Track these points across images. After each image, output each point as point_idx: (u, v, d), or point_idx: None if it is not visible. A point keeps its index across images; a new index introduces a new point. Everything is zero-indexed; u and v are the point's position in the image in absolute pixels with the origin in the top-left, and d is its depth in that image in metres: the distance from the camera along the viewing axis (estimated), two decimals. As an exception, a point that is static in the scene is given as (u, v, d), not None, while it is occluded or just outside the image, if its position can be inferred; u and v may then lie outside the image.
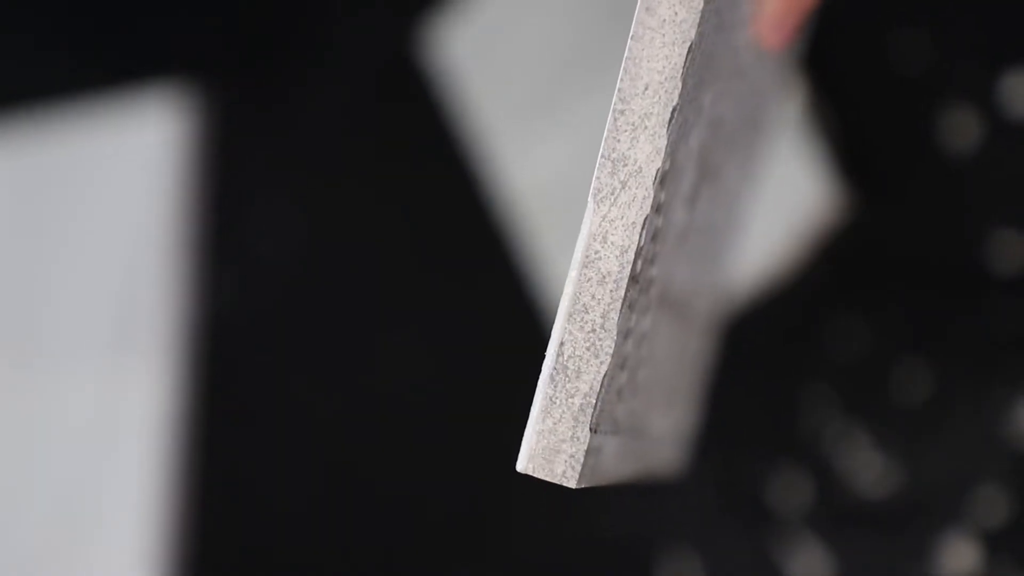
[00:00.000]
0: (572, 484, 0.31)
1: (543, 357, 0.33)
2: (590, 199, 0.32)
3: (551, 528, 0.68)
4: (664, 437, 0.46)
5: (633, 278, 0.32)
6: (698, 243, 0.41)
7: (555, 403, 0.32)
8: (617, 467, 0.37)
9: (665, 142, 0.31)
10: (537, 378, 0.33)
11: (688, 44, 0.31)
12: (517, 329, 0.70)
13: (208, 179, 0.80)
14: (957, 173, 0.60)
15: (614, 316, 0.32)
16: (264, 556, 0.76)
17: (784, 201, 0.61)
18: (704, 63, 0.34)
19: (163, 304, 0.78)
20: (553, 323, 0.32)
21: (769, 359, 0.63)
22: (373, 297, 0.75)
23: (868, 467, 0.60)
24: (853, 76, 0.62)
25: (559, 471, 0.31)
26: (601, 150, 0.32)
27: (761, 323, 0.63)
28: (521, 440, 0.32)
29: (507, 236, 0.70)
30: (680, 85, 0.31)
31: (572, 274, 0.32)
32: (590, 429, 0.32)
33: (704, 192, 0.40)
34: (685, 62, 0.31)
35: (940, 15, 0.60)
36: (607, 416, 0.33)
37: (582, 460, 0.32)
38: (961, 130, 0.60)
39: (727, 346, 0.62)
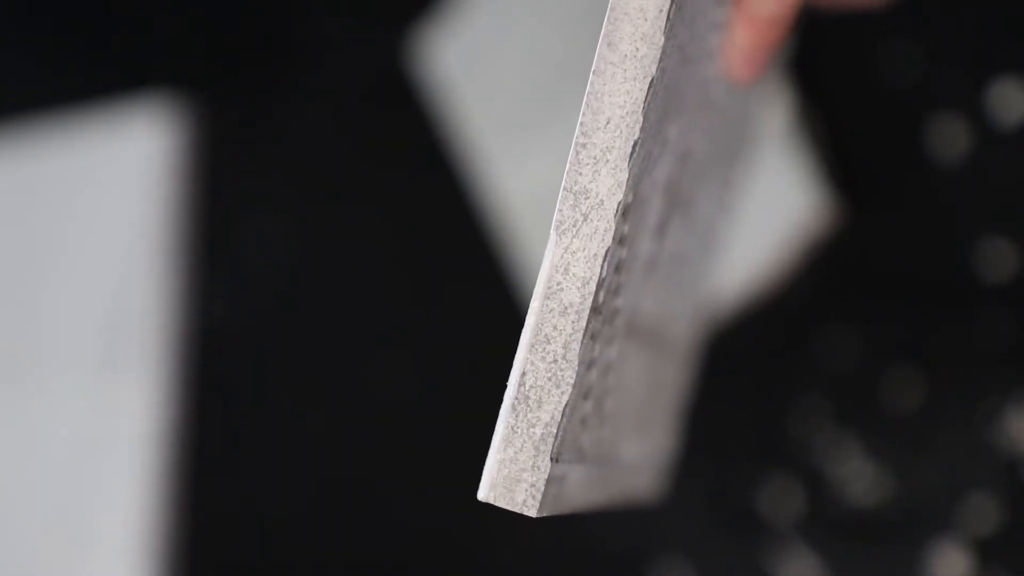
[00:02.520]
0: (532, 513, 0.32)
1: None
2: (552, 231, 0.32)
3: (543, 540, 0.68)
4: (639, 464, 0.46)
5: (595, 309, 0.32)
6: (670, 272, 0.42)
7: (516, 432, 0.32)
8: (585, 494, 0.37)
9: (627, 175, 0.32)
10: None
11: (649, 79, 0.32)
12: (508, 338, 0.69)
13: (198, 191, 0.80)
14: (946, 183, 0.60)
15: (575, 347, 0.32)
16: (257, 568, 0.76)
17: (773, 211, 0.61)
18: (668, 97, 0.34)
19: (154, 317, 0.78)
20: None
21: (759, 369, 0.63)
22: (364, 308, 0.75)
23: (859, 477, 0.60)
24: (841, 86, 0.62)
25: (519, 500, 0.32)
26: (563, 183, 0.32)
27: (751, 333, 0.63)
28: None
29: (498, 246, 0.70)
30: (641, 120, 0.32)
31: (534, 305, 0.32)
32: (551, 458, 0.32)
33: (674, 223, 0.40)
34: (646, 97, 0.32)
35: (928, 24, 0.60)
36: (570, 445, 0.34)
37: (543, 489, 0.32)
38: (950, 140, 0.60)
39: (717, 357, 0.62)
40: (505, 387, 0.33)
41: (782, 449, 0.62)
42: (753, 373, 0.63)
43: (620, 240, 0.33)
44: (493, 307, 0.70)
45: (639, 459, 0.46)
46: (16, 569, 0.78)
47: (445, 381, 0.73)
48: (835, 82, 0.62)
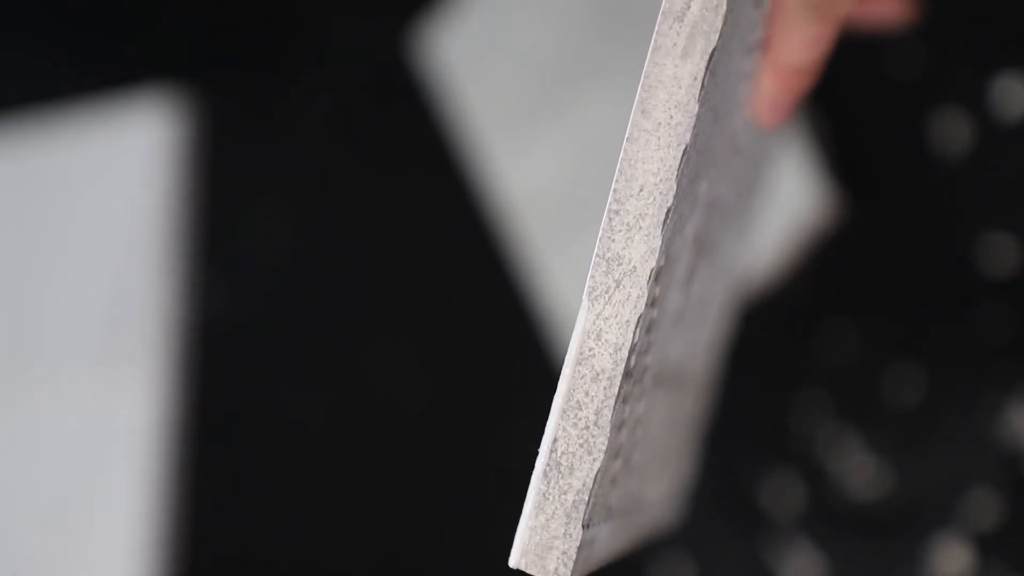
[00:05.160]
0: None
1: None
2: (584, 297, 0.32)
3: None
4: (660, 501, 0.46)
5: (627, 373, 0.32)
6: (696, 316, 0.41)
7: (548, 499, 0.32)
8: (610, 547, 0.37)
9: (660, 242, 0.32)
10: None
11: (683, 147, 0.32)
12: (507, 335, 0.69)
13: (199, 185, 0.80)
14: (948, 178, 0.59)
15: (608, 413, 0.32)
16: (257, 562, 0.76)
17: (775, 206, 0.61)
18: (700, 158, 0.34)
19: (154, 309, 0.78)
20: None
21: (761, 364, 0.63)
22: (365, 303, 0.75)
23: (860, 471, 0.60)
24: (845, 81, 0.62)
25: (551, 568, 0.31)
26: (596, 249, 0.32)
27: (753, 327, 0.63)
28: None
29: (497, 242, 0.70)
30: (675, 187, 0.32)
31: (565, 371, 0.32)
32: (583, 525, 0.32)
33: (701, 269, 0.40)
34: (680, 164, 0.32)
35: (931, 20, 0.60)
36: (600, 507, 0.34)
37: (574, 557, 0.32)
38: (952, 135, 0.59)
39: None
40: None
41: (783, 443, 0.62)
42: (755, 367, 0.63)
43: (652, 303, 0.33)
44: (493, 301, 0.70)
45: (661, 496, 0.46)
46: (17, 560, 0.78)
47: (445, 375, 0.72)
48: (839, 77, 0.62)
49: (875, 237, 0.61)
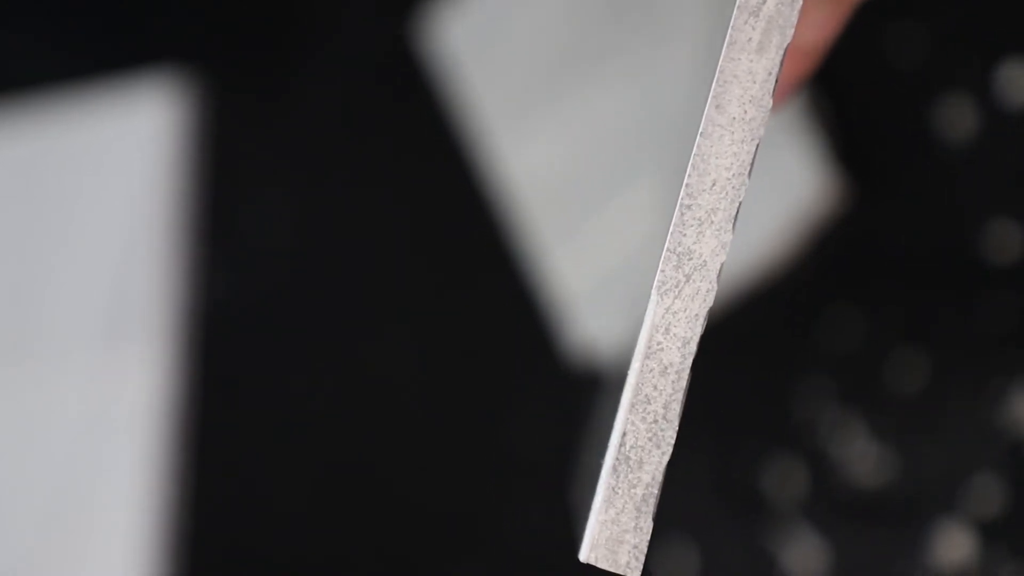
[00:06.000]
0: (636, 575, 0.32)
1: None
2: (653, 291, 0.32)
3: (544, 521, 0.68)
4: None
5: (693, 366, 0.33)
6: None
7: (618, 493, 0.32)
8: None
9: (730, 237, 0.32)
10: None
11: (756, 142, 0.32)
12: (513, 321, 0.70)
13: (204, 169, 0.80)
14: (952, 164, 0.59)
15: (676, 407, 0.33)
16: (260, 547, 0.77)
17: (777, 192, 0.61)
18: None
19: (158, 294, 0.78)
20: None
21: (763, 349, 0.63)
22: (370, 288, 0.75)
23: (863, 457, 0.60)
24: (848, 67, 0.62)
25: (623, 561, 0.32)
26: (667, 243, 0.32)
27: (755, 313, 0.63)
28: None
29: (502, 229, 0.70)
30: (747, 181, 0.32)
31: (635, 365, 0.32)
32: (652, 518, 0.32)
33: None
34: (753, 158, 0.32)
35: (935, 5, 0.60)
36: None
37: (645, 550, 0.32)
38: (957, 122, 0.59)
39: (721, 337, 0.62)
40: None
41: (786, 430, 0.62)
42: (757, 353, 0.63)
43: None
44: (499, 289, 0.70)
45: None
46: (18, 545, 0.78)
47: (450, 362, 0.73)
48: (842, 63, 0.62)
49: (879, 223, 0.61)
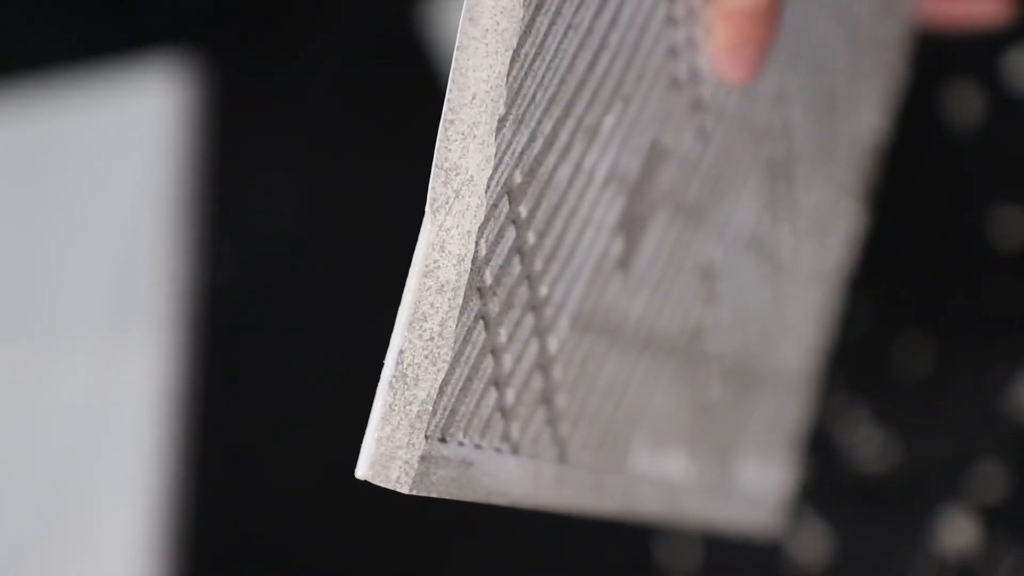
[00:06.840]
0: (405, 489, 0.31)
1: None
2: (427, 209, 0.32)
3: (544, 519, 0.68)
4: (692, 485, 0.45)
5: (479, 289, 0.32)
6: (657, 275, 0.40)
7: (394, 410, 0.31)
8: (557, 492, 0.37)
9: (494, 151, 0.31)
10: None
11: (510, 52, 0.31)
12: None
13: (207, 151, 0.79)
14: (959, 150, 0.59)
15: (452, 324, 0.32)
16: (263, 531, 0.77)
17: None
18: (564, 79, 0.33)
19: (163, 276, 0.78)
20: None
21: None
22: (373, 268, 0.75)
23: (868, 443, 0.60)
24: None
25: (393, 476, 0.31)
26: (434, 159, 0.31)
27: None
28: None
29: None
30: (505, 94, 0.31)
31: (411, 283, 0.32)
32: (437, 438, 0.32)
33: (658, 222, 0.39)
34: (510, 71, 0.31)
35: None
36: (477, 430, 0.33)
37: (416, 466, 0.31)
38: (963, 107, 0.59)
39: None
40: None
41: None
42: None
43: (515, 222, 0.33)
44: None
45: (692, 479, 0.45)
46: (20, 529, 0.79)
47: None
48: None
49: (886, 209, 0.61)
